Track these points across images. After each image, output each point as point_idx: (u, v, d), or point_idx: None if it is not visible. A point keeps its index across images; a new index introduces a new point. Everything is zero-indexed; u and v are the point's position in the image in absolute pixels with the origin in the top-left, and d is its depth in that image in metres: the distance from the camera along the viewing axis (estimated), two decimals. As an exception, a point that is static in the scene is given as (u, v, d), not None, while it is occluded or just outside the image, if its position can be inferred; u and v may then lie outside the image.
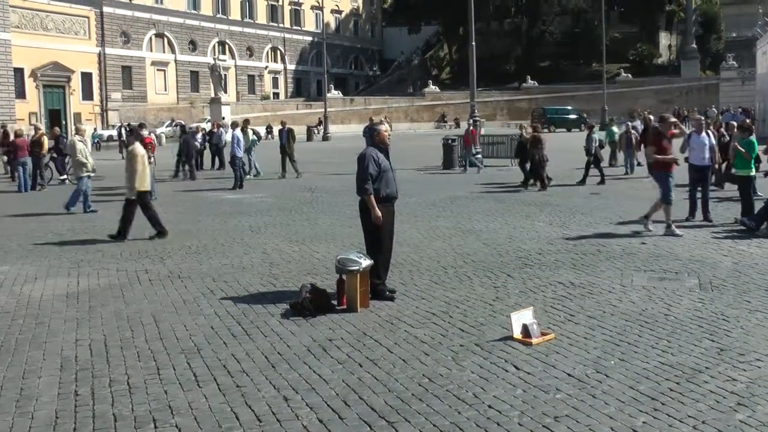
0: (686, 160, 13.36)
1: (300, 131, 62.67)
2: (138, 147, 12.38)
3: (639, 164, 21.58)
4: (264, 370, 5.82)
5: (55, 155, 24.07)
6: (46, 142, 22.87)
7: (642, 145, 20.34)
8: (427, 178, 22.39)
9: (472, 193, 18.26)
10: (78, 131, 17.60)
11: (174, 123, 53.72)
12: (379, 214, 7.67)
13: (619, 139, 22.19)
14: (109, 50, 64.06)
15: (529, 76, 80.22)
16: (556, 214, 14.36)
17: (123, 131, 39.02)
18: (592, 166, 20.05)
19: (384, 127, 8.15)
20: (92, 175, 16.35)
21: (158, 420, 4.91)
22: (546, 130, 57.30)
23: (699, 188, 13.05)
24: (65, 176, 23.82)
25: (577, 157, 21.20)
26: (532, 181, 19.12)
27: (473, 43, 27.75)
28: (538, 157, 18.81)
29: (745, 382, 5.38)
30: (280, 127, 25.18)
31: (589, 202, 16.14)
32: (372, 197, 7.66)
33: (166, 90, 70.76)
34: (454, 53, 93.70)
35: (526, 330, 6.44)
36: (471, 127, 25.70)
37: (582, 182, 19.59)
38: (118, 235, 12.13)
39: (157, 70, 70.03)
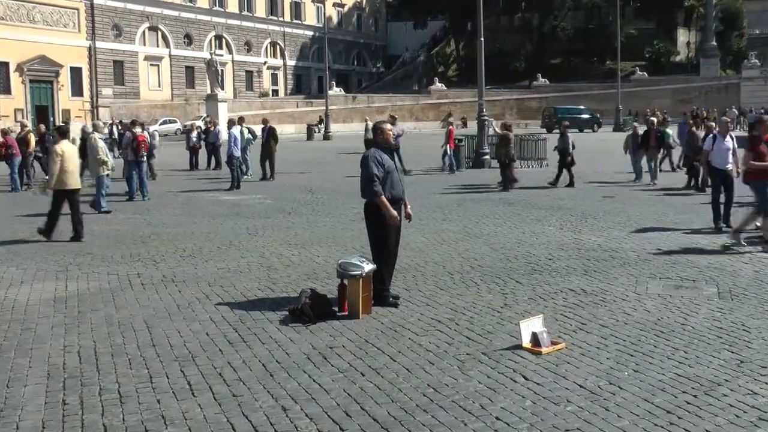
0: (708, 164, 13.35)
1: (300, 130, 63.27)
2: (59, 145, 12.51)
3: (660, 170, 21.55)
4: (261, 378, 5.83)
5: (40, 154, 23.91)
6: (33, 140, 22.88)
7: (645, 148, 20.19)
8: (428, 180, 22.38)
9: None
10: (96, 128, 17.54)
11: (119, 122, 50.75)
12: (394, 213, 7.68)
13: (626, 141, 21.56)
14: (99, 44, 64.15)
15: (539, 74, 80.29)
16: (567, 218, 14.36)
17: (115, 129, 39.05)
18: (568, 166, 20.36)
19: (388, 127, 8.16)
20: (110, 173, 16.42)
21: (150, 431, 4.92)
22: (557, 131, 57.60)
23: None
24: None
25: (587, 157, 21.09)
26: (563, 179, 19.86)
27: (482, 39, 27.77)
28: (505, 156, 19.33)
29: (766, 396, 5.37)
30: (261, 125, 24.31)
31: (602, 205, 16.14)
32: (383, 198, 7.66)
33: (159, 86, 70.86)
34: (461, 49, 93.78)
35: (535, 339, 6.44)
36: (449, 126, 25.68)
37: (554, 183, 20.05)
38: (46, 231, 12.47)
39: (151, 65, 70.14)
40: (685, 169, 20.01)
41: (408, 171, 23.17)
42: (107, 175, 16.13)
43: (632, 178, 21.00)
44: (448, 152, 24.67)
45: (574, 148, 21.46)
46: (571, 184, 19.84)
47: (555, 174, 20.37)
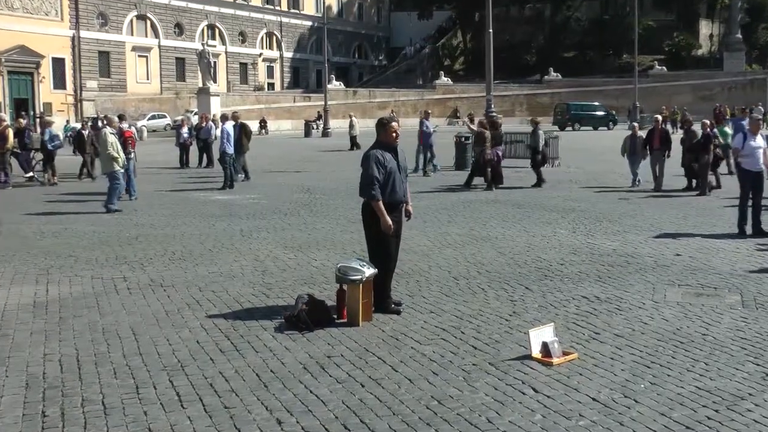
0: (737, 165, 13.28)
1: (297, 126, 63.34)
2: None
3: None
4: (255, 389, 5.83)
5: (18, 150, 23.82)
6: (11, 135, 22.85)
7: (649, 150, 19.62)
8: (428, 181, 22.39)
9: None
10: (110, 123, 17.57)
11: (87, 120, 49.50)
12: (390, 222, 7.67)
13: (624, 143, 20.52)
14: (84, 33, 64.19)
15: (551, 68, 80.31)
16: (580, 220, 14.36)
17: (100, 124, 39.05)
18: (536, 165, 20.61)
19: (394, 124, 8.15)
20: (122, 171, 16.47)
21: (137, 443, 4.92)
22: (570, 128, 57.69)
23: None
24: (31, 173, 23.83)
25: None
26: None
27: (490, 31, 27.81)
28: (480, 154, 19.58)
29: (791, 410, 5.37)
30: (232, 121, 23.05)
31: (617, 208, 16.14)
32: (380, 203, 7.67)
33: (148, 79, 70.95)
34: (468, 42, 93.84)
35: (546, 349, 6.44)
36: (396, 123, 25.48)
37: (538, 184, 20.25)
38: None
39: (139, 56, 70.23)
40: (683, 170, 19.55)
41: (436, 168, 23.22)
42: (119, 171, 16.23)
43: (631, 181, 20.23)
44: (420, 150, 24.51)
45: (547, 145, 21.55)
46: (537, 184, 20.14)
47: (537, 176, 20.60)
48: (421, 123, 24.53)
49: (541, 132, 20.96)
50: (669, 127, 33.30)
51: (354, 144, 37.72)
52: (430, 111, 28.00)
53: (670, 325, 7.47)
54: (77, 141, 24.10)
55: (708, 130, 18.85)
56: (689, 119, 23.38)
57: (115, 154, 16.21)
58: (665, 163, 19.48)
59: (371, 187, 7.64)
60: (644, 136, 20.15)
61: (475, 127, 19.97)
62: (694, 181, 19.07)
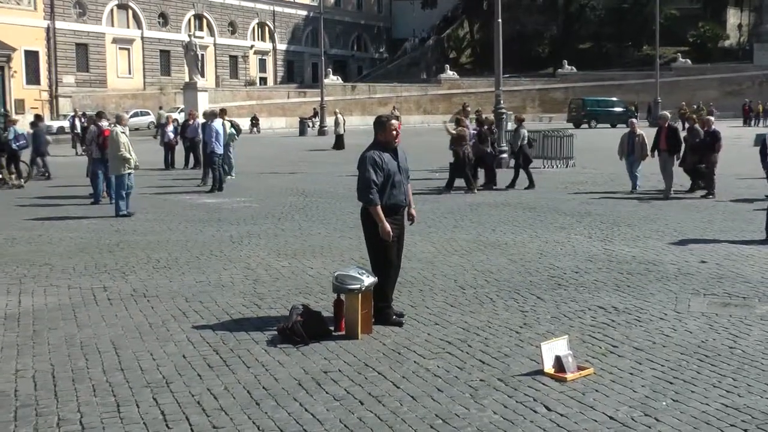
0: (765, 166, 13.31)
1: (292, 124, 63.49)
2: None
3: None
4: (246, 407, 5.84)
5: None
6: None
7: (656, 151, 18.65)
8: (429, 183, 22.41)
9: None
10: (120, 121, 17.49)
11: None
12: (388, 228, 7.69)
13: (620, 143, 19.70)
14: (60, 24, 64.31)
15: (566, 61, 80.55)
16: (596, 225, 14.38)
17: (78, 122, 39.14)
18: (520, 165, 20.74)
19: (393, 122, 8.17)
20: (133, 172, 16.51)
21: (118, 465, 4.93)
22: (586, 126, 57.75)
23: None
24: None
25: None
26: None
27: (499, 20, 27.84)
28: (462, 155, 19.68)
29: (824, 429, 5.38)
30: (202, 120, 23.08)
31: (637, 211, 16.15)
32: (378, 209, 7.69)
33: (130, 73, 71.12)
34: (476, 32, 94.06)
35: (559, 363, 6.45)
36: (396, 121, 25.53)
37: (531, 185, 20.36)
38: None
39: (120, 48, 70.40)
40: (687, 170, 19.43)
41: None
42: (130, 173, 16.25)
43: (628, 186, 19.62)
44: None
45: (531, 146, 21.61)
46: (511, 185, 20.42)
47: (526, 177, 20.74)
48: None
49: (525, 131, 21.02)
50: (681, 124, 33.18)
51: (339, 143, 37.80)
52: (397, 108, 27.83)
53: (695, 337, 7.48)
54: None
55: (713, 126, 18.64)
56: (697, 117, 23.19)
57: (127, 155, 16.09)
58: (673, 166, 18.68)
59: (368, 192, 7.67)
60: (641, 136, 19.34)
61: (454, 132, 20.06)
62: (698, 182, 19.06)
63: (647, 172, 20.07)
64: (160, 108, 55.75)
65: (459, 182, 19.97)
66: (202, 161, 21.38)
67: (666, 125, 18.83)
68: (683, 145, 19.00)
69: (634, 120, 20.75)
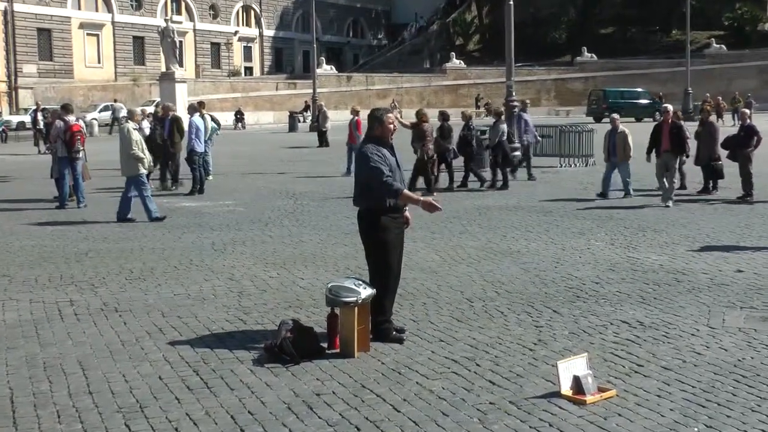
0: None
1: (281, 119, 63.55)
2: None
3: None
4: (228, 434, 5.85)
5: None
6: None
7: (655, 152, 17.63)
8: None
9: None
10: (132, 116, 17.46)
11: None
12: (430, 199, 7.84)
13: (604, 141, 19.02)
14: (19, 7, 64.22)
15: (585, 48, 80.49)
16: (619, 230, 14.39)
17: (40, 117, 39.13)
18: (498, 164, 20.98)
19: (390, 115, 8.18)
20: (149, 173, 16.53)
21: (86, 499, 4.93)
22: (607, 120, 57.66)
23: None
24: None
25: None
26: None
27: (511, 2, 27.85)
28: (421, 153, 19.83)
29: None
30: (160, 113, 22.85)
31: (665, 215, 16.16)
32: (406, 192, 7.85)
33: (99, 62, 71.20)
34: (485, 16, 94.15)
35: (578, 384, 6.45)
36: (356, 117, 25.57)
37: (504, 185, 20.65)
38: None
39: (88, 34, 70.45)
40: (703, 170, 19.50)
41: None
42: (145, 174, 16.24)
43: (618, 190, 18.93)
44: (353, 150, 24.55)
45: (511, 142, 21.64)
46: (503, 186, 20.62)
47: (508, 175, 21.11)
48: (519, 117, 24.53)
49: (503, 127, 21.10)
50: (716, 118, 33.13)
51: (323, 140, 37.88)
52: (528, 101, 27.56)
53: (730, 355, 7.48)
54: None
55: (748, 120, 18.42)
56: (708, 109, 23.18)
57: (141, 155, 16.05)
58: (676, 169, 17.76)
59: (386, 184, 7.67)
60: (623, 133, 18.52)
61: (407, 124, 20.19)
62: (711, 182, 19.12)
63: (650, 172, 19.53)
64: (115, 101, 55.72)
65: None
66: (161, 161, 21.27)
67: (669, 121, 17.64)
68: (688, 145, 17.95)
69: (615, 116, 19.68)
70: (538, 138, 25.52)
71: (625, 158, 18.50)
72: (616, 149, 18.49)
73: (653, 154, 17.92)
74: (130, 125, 16.47)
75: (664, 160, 17.43)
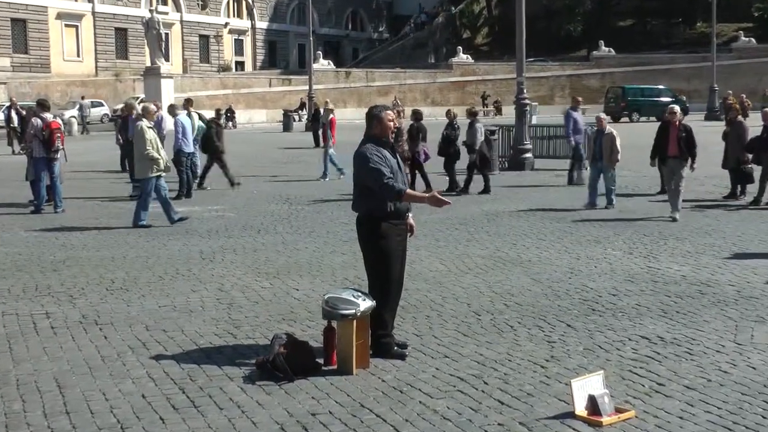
0: None
1: (274, 117, 63.60)
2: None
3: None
4: (216, 457, 5.85)
5: None
6: None
7: (659, 158, 16.86)
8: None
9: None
10: (146, 113, 17.17)
11: None
12: (435, 193, 7.80)
13: (591, 141, 18.66)
14: (-10, -4, 64.21)
15: (602, 42, 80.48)
16: (638, 238, 14.38)
17: (14, 114, 39.10)
18: (474, 166, 21.09)
19: (389, 112, 8.18)
20: (164, 174, 16.40)
21: None
22: (626, 119, 57.80)
23: None
24: None
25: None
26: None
27: (522, -7, 27.89)
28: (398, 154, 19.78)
29: None
30: (124, 112, 22.83)
31: (688, 222, 16.14)
32: (410, 191, 7.89)
33: (79, 55, 71.24)
34: (494, 8, 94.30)
35: (593, 404, 6.45)
36: (331, 115, 25.68)
37: (464, 189, 20.95)
38: None
39: (66, 26, 70.49)
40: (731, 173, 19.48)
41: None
42: (160, 175, 16.14)
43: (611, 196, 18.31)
44: (329, 151, 24.67)
45: (489, 143, 21.64)
46: (485, 191, 20.80)
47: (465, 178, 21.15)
48: (568, 115, 24.53)
49: (480, 126, 21.21)
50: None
51: (317, 140, 37.93)
52: (580, 98, 26.93)
53: (759, 374, 7.48)
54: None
55: (673, 124, 16.80)
56: (737, 107, 23.03)
57: (156, 155, 15.90)
58: (683, 177, 16.56)
59: (387, 185, 7.67)
60: (610, 134, 17.85)
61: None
62: (739, 187, 19.11)
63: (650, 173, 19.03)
64: (83, 98, 55.66)
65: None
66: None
67: (676, 123, 16.70)
68: (696, 149, 16.82)
69: (602, 115, 19.14)
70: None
71: (612, 163, 17.86)
72: (604, 153, 17.82)
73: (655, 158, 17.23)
74: (144, 123, 16.29)
75: (671, 166, 16.70)
